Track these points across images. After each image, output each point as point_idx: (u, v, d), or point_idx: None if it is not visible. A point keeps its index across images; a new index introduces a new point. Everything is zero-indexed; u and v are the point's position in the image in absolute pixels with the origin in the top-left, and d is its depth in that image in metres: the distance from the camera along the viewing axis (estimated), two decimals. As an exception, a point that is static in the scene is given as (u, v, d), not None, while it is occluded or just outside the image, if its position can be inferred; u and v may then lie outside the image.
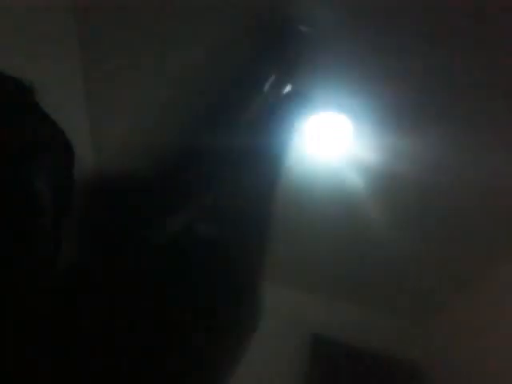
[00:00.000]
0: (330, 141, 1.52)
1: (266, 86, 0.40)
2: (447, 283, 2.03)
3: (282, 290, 2.25)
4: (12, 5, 1.08)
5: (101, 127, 1.65)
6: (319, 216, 1.81)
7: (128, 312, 0.27)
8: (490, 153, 1.44)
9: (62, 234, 0.33)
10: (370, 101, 1.38)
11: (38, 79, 0.36)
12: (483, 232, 1.74)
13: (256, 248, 0.36)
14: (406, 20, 1.17)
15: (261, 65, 0.41)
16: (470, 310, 1.99)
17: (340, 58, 1.28)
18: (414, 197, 1.66)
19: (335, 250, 1.99)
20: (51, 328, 0.25)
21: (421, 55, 1.23)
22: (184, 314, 0.28)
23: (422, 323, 2.27)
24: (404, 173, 1.55)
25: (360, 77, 1.32)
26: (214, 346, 0.29)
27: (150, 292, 0.28)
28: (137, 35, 1.35)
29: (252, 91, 0.40)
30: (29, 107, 0.35)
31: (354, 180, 1.62)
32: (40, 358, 0.24)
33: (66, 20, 1.33)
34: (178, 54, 1.36)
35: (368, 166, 1.56)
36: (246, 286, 0.33)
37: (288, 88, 0.42)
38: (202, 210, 0.34)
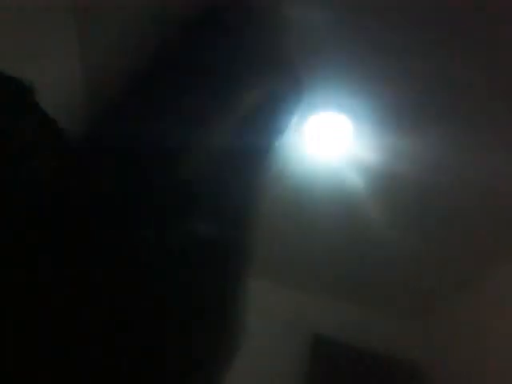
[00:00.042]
0: (330, 141, 1.52)
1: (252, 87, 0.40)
2: (447, 283, 2.03)
3: (282, 289, 2.25)
4: (12, 5, 1.08)
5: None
6: (319, 216, 1.81)
7: (128, 312, 0.27)
8: (490, 153, 1.44)
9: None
10: (370, 101, 1.38)
11: (38, 79, 0.36)
12: (483, 232, 1.74)
13: (244, 246, 0.36)
14: (406, 20, 1.16)
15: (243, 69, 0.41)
16: (470, 309, 1.99)
17: (340, 58, 1.28)
18: (414, 197, 1.66)
19: (335, 250, 1.99)
20: (51, 328, 0.25)
21: (421, 55, 1.23)
22: (184, 313, 0.28)
23: (421, 323, 2.27)
24: (404, 173, 1.55)
25: (360, 77, 1.32)
26: (213, 345, 0.29)
27: (149, 292, 0.28)
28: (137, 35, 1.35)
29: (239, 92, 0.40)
30: (29, 107, 0.35)
31: (354, 180, 1.62)
32: (40, 358, 0.24)
33: (65, 20, 1.33)
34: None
35: (368, 166, 1.56)
36: (232, 283, 0.33)
37: (276, 87, 0.42)
38: (202, 210, 0.34)
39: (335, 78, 1.33)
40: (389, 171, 1.55)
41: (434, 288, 2.07)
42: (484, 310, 1.92)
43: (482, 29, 1.15)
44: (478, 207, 1.64)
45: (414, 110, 1.39)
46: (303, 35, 1.23)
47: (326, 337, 2.16)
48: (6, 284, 0.26)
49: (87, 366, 0.24)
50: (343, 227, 1.85)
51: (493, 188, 1.55)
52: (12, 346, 0.24)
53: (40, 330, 0.25)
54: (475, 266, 1.90)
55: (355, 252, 1.98)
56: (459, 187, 1.58)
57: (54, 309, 0.26)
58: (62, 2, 1.31)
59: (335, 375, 2.09)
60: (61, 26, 1.34)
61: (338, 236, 1.91)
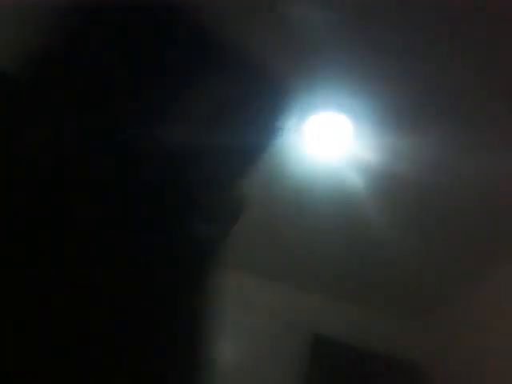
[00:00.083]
0: (330, 141, 1.52)
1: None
2: (447, 283, 2.03)
3: (282, 289, 2.25)
4: (12, 5, 1.08)
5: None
6: (319, 216, 1.81)
7: (128, 312, 0.27)
8: (490, 153, 1.44)
9: None
10: (370, 101, 1.38)
11: (38, 79, 0.36)
12: (483, 232, 1.74)
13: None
14: (406, 20, 1.17)
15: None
16: (470, 309, 1.99)
17: (340, 58, 1.28)
18: (414, 197, 1.66)
19: (335, 250, 1.99)
20: (51, 328, 0.25)
21: (421, 55, 1.23)
22: (184, 313, 0.28)
23: (421, 323, 2.27)
24: (404, 173, 1.55)
25: (360, 77, 1.32)
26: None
27: (149, 292, 0.28)
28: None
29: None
30: (29, 107, 0.35)
31: (354, 180, 1.62)
32: (40, 358, 0.24)
33: (66, 20, 1.33)
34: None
35: (368, 166, 1.56)
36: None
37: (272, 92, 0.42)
38: (202, 210, 0.34)
39: (335, 78, 1.33)
40: (389, 171, 1.55)
41: (434, 288, 2.08)
42: (484, 310, 1.92)
43: (482, 29, 1.15)
44: (478, 207, 1.64)
45: (414, 110, 1.39)
46: (303, 35, 1.23)
47: (326, 337, 2.16)
48: (6, 284, 0.26)
49: (87, 365, 0.24)
50: (343, 227, 1.85)
51: (493, 188, 1.55)
52: (12, 346, 0.24)
53: (40, 330, 0.25)
54: (475, 266, 1.90)
55: (355, 252, 1.98)
56: (459, 187, 1.58)
57: (53, 309, 0.26)
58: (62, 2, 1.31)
59: (335, 375, 2.09)
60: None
61: (338, 236, 1.91)
